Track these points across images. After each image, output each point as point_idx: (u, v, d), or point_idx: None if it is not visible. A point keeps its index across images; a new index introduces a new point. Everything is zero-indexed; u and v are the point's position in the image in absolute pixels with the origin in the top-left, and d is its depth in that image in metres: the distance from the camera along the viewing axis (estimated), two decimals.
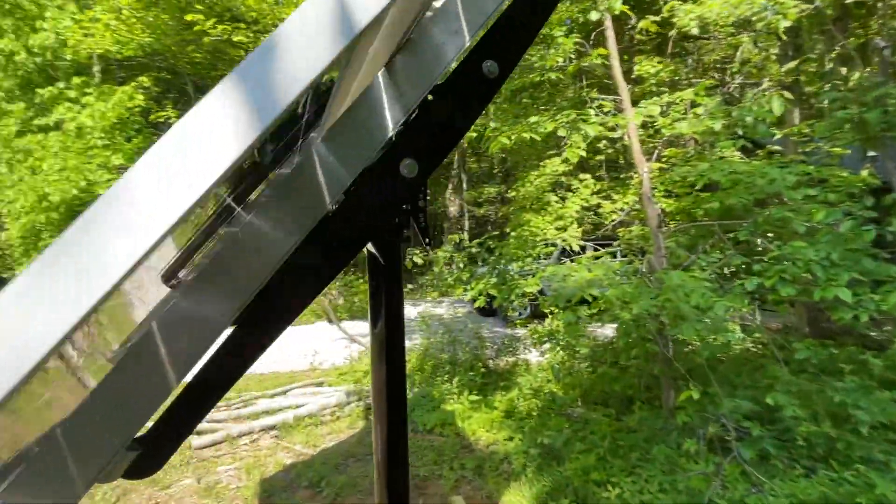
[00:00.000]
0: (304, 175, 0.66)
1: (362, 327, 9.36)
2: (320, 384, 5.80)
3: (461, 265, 4.38)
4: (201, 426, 4.65)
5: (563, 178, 5.52)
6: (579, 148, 3.66)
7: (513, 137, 3.64)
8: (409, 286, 12.08)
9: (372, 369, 1.25)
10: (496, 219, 14.90)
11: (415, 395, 5.23)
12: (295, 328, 9.39)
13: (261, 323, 0.71)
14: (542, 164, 6.38)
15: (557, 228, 4.86)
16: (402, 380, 1.25)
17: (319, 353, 6.92)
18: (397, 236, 1.42)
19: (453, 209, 14.25)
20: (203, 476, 3.87)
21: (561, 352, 3.64)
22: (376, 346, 1.22)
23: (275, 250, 0.60)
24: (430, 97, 0.81)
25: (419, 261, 4.84)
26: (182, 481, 3.83)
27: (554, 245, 4.36)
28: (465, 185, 14.51)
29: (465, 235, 13.80)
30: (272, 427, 4.62)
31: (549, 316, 4.36)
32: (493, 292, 4.02)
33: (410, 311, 10.19)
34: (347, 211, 0.79)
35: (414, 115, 0.82)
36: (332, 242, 0.75)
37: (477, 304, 4.29)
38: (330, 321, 8.16)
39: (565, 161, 4.18)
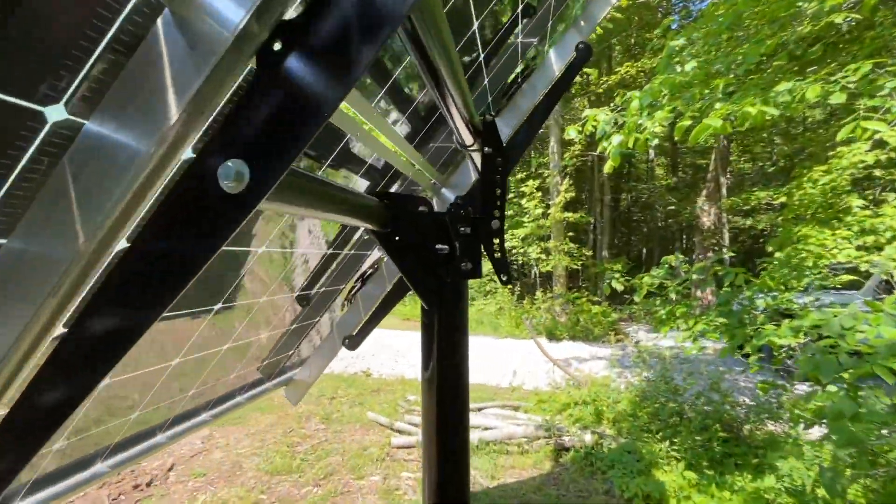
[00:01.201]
0: None
1: (582, 350, 8.60)
2: (516, 408, 5.49)
3: (673, 295, 3.32)
4: (402, 426, 5.03)
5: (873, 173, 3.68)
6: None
7: (737, 117, 2.48)
8: (615, 314, 10.45)
9: (422, 422, 1.11)
10: (770, 230, 11.44)
11: (617, 448, 4.31)
12: (517, 341, 9.40)
13: None
14: (835, 153, 4.45)
15: (859, 248, 3.22)
16: (460, 444, 1.10)
17: (519, 373, 6.62)
18: (446, 268, 1.11)
19: (706, 220, 11.68)
20: (389, 477, 4.10)
21: (839, 450, 2.21)
22: (426, 393, 1.10)
23: None
24: None
25: (619, 286, 3.96)
26: (373, 476, 4.16)
27: (837, 272, 2.84)
28: (724, 190, 11.72)
29: (725, 254, 11.13)
30: None
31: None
32: (717, 337, 2.86)
33: (639, 335, 8.79)
34: None
35: None
36: None
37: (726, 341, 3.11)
38: (536, 340, 7.76)
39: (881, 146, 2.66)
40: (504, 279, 1.17)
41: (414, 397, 5.84)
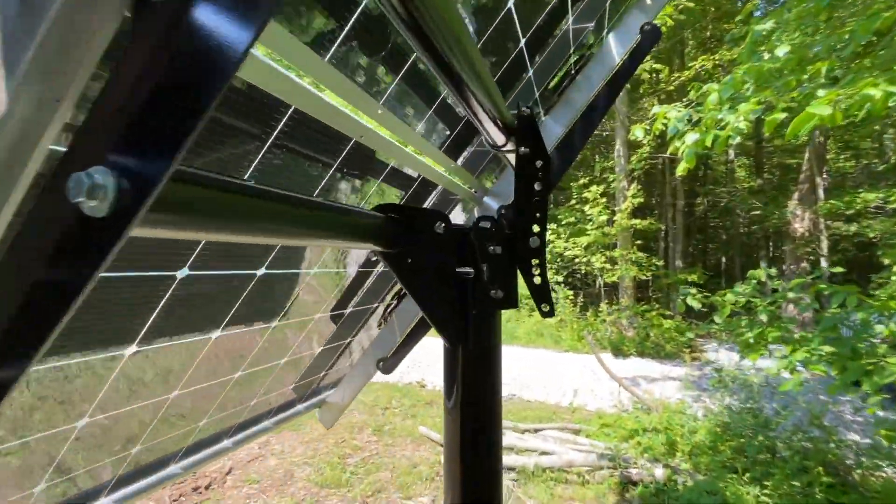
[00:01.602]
0: None
1: (652, 368, 7.93)
2: (577, 432, 5.09)
3: (764, 316, 2.81)
4: None
5: None
6: None
7: (843, 104, 2.01)
8: (691, 331, 9.48)
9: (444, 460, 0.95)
10: (881, 238, 9.88)
11: (694, 487, 3.80)
12: (579, 356, 8.89)
13: None
14: None
15: None
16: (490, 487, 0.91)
17: (581, 392, 6.18)
18: (472, 296, 0.93)
19: (799, 226, 10.37)
20: (437, 500, 3.92)
21: None
22: (449, 427, 0.93)
23: None
24: None
25: (696, 304, 3.49)
26: (422, 496, 3.99)
27: None
28: (820, 192, 10.35)
29: (824, 266, 9.84)
30: (511, 468, 4.28)
31: None
32: (824, 370, 2.37)
33: (714, 354, 7.88)
34: None
35: None
36: None
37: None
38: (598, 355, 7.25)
39: None
40: (545, 311, 0.94)
41: None
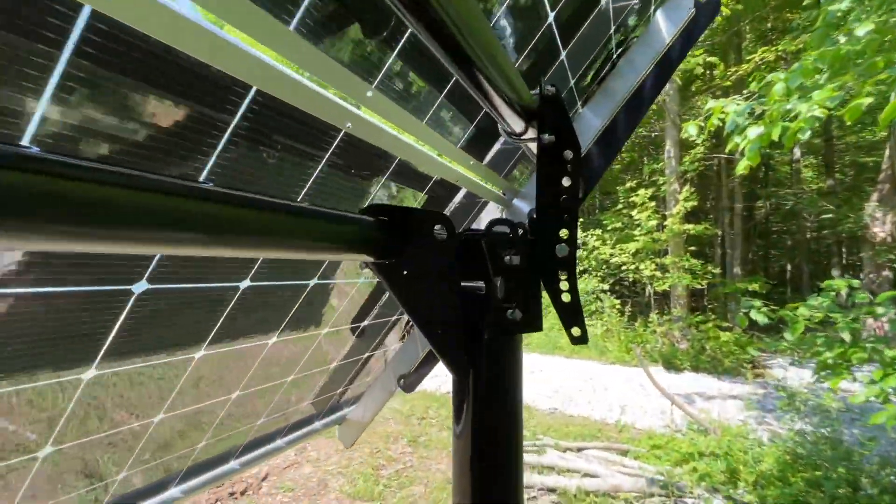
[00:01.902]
0: None
1: (708, 385, 7.34)
2: (624, 453, 4.73)
3: (846, 335, 2.40)
4: None
5: None
6: None
7: None
8: (752, 346, 8.63)
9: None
10: None
11: None
12: (627, 369, 8.43)
13: None
14: None
15: None
16: None
17: (629, 408, 5.78)
18: (482, 317, 0.77)
19: (880, 230, 9.31)
20: None
21: None
22: (457, 460, 0.75)
23: None
24: None
25: (761, 318, 3.09)
26: None
27: None
28: None
29: None
30: (552, 490, 4.02)
31: None
32: None
33: (779, 371, 7.10)
34: None
35: None
36: None
37: None
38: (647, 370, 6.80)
39: None
40: (576, 336, 0.77)
41: None
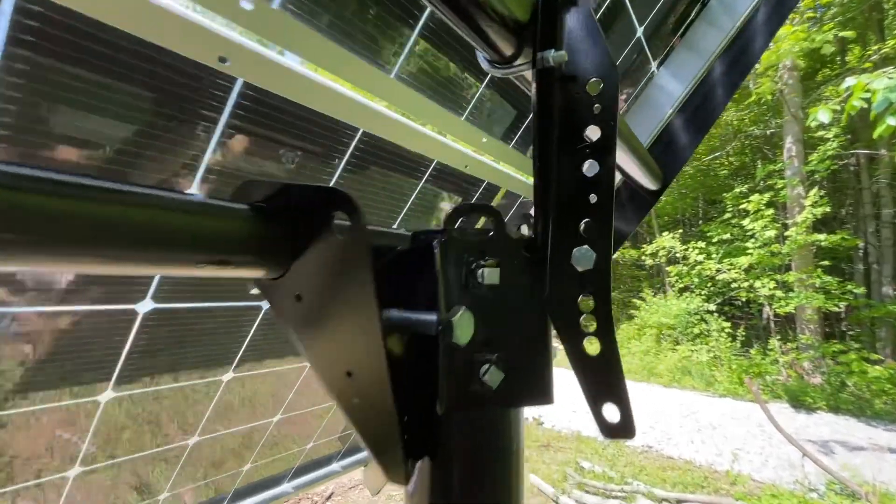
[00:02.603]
0: None
1: (853, 431, 5.95)
2: None
3: None
4: (567, 503, 4.06)
5: None
6: None
7: None
8: None
9: None
10: None
11: None
12: (742, 404, 7.23)
13: None
14: None
15: None
16: None
17: (743, 454, 4.82)
18: (429, 377, 0.45)
19: None
20: None
21: None
22: None
23: None
24: None
25: None
26: None
27: None
28: None
29: None
30: None
31: None
32: None
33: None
34: None
35: None
36: None
37: None
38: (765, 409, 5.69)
39: None
40: (612, 425, 0.41)
41: (588, 465, 4.77)
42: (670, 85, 1.17)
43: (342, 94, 0.57)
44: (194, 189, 0.64)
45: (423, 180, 0.90)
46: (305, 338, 0.44)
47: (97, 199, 0.31)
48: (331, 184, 0.75)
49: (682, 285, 10.97)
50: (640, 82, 1.22)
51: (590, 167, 0.43)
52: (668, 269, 11.54)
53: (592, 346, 0.42)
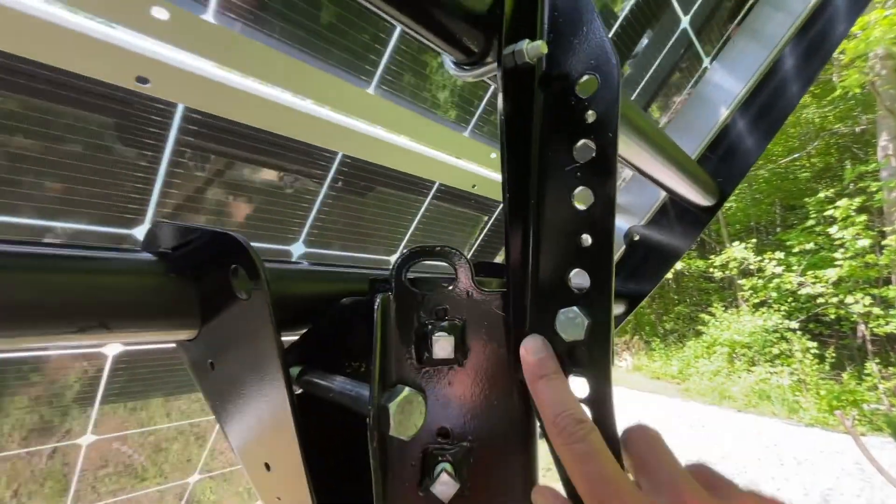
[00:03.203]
0: None
1: None
2: None
3: None
4: None
5: None
6: None
7: None
8: None
9: None
10: None
11: None
12: (833, 435, 6.43)
13: None
14: None
15: None
16: None
17: (837, 495, 4.22)
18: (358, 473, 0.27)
19: None
20: None
21: None
22: None
23: None
24: None
25: None
26: None
27: None
28: None
29: None
30: None
31: None
32: None
33: None
34: None
35: None
36: None
37: None
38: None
39: None
40: None
41: None
42: (727, 82, 0.99)
43: (308, 114, 0.49)
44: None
45: (430, 197, 0.80)
46: (223, 414, 0.36)
47: None
48: (315, 206, 0.68)
49: (757, 300, 9.99)
50: (688, 83, 1.06)
51: (581, 197, 0.31)
52: (740, 281, 10.58)
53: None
